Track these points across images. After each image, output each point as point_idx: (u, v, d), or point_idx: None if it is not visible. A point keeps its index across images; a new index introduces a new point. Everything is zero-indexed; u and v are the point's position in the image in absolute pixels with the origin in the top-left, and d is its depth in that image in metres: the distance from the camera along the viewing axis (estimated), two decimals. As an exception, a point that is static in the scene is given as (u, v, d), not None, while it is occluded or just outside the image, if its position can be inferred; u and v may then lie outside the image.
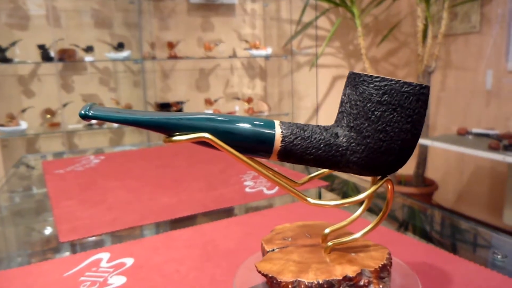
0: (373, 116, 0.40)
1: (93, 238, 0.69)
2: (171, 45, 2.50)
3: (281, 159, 0.41)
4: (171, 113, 0.41)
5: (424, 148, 2.67)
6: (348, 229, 0.49)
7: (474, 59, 2.60)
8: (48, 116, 2.34)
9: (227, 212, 0.79)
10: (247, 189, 0.91)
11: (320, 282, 0.36)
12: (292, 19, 2.79)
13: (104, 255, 0.61)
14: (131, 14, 2.47)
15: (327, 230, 0.46)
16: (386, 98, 0.39)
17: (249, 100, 2.72)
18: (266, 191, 0.89)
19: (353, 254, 0.43)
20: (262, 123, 0.41)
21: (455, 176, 2.82)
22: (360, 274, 0.38)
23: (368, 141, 0.40)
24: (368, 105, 0.40)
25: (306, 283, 0.36)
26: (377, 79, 0.40)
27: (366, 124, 0.40)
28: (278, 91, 2.94)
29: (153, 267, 0.57)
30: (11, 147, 2.36)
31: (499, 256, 0.57)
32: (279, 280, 0.37)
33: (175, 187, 0.95)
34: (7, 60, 2.19)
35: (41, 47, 2.25)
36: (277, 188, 0.90)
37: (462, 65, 2.69)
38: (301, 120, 2.93)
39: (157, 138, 2.61)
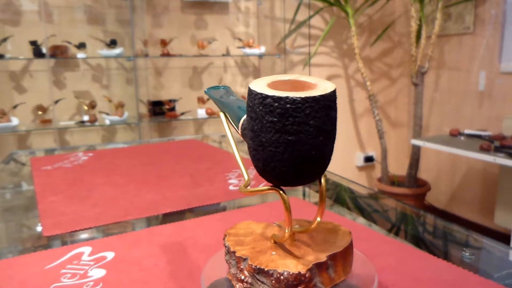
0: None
1: (77, 232, 0.69)
2: (164, 43, 2.50)
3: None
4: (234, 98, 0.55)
5: (417, 149, 2.68)
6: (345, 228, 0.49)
7: (467, 60, 2.62)
8: (40, 112, 2.33)
9: (211, 209, 0.80)
10: (231, 187, 0.92)
11: (228, 245, 0.46)
12: (285, 18, 2.80)
13: (85, 249, 0.62)
14: (124, 10, 2.46)
15: (295, 227, 0.48)
16: (249, 105, 0.40)
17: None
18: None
19: (274, 252, 0.44)
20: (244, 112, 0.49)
21: (448, 177, 2.84)
22: (243, 260, 0.43)
23: (249, 143, 0.42)
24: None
25: (225, 243, 0.47)
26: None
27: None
28: (271, 90, 2.94)
29: (132, 261, 0.58)
30: (2, 143, 2.35)
31: (467, 254, 0.58)
32: (224, 233, 0.50)
33: (160, 184, 0.96)
34: (-2, 56, 2.18)
35: (33, 43, 2.24)
36: (260, 186, 0.90)
37: (456, 66, 2.70)
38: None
39: (148, 135, 2.61)
